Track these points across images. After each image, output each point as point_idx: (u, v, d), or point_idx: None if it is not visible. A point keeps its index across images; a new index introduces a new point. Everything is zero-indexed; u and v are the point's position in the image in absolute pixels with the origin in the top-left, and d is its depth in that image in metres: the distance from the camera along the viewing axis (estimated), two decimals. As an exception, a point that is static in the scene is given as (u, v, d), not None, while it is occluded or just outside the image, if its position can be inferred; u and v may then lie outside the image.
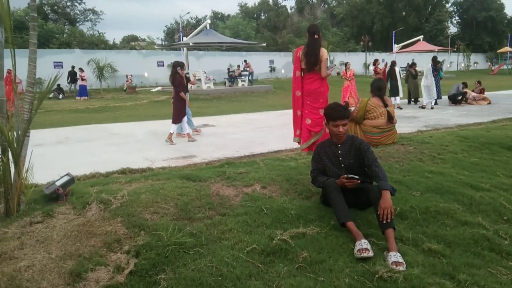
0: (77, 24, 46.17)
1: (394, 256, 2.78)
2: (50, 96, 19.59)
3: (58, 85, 21.12)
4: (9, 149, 3.09)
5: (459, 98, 14.21)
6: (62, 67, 23.96)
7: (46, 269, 2.55)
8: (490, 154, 5.60)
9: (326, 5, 65.03)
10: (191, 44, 22.95)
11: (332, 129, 3.46)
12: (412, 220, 3.45)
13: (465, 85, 14.53)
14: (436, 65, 13.86)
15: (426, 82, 13.63)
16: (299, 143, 6.01)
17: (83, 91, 22.12)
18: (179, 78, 8.63)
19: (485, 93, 15.16)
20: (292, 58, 5.91)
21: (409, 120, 10.83)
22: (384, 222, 2.98)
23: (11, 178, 3.12)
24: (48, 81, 3.25)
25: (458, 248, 3.05)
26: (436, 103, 14.18)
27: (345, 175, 3.28)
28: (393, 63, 14.70)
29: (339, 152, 3.48)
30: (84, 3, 47.92)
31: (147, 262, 2.64)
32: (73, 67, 23.63)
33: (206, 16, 59.95)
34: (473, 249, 3.06)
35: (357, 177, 3.26)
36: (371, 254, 2.83)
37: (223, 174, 4.12)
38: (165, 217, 3.17)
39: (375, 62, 15.21)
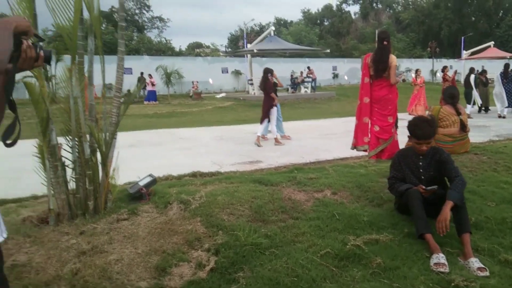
0: (145, 31, 48.71)
1: (476, 262, 2.75)
2: (121, 100, 20.83)
3: (128, 90, 22.41)
4: (97, 150, 3.39)
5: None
6: (131, 73, 24.83)
7: (133, 263, 2.78)
8: None
9: (391, 11, 63.20)
10: (255, 50, 23.34)
11: (415, 146, 3.40)
12: (488, 230, 3.33)
13: None
14: (506, 73, 13.04)
15: (496, 90, 13.00)
16: (365, 151, 5.93)
17: (152, 96, 23.20)
18: (269, 83, 9.13)
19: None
20: (361, 65, 5.88)
21: (480, 129, 10.24)
22: (441, 234, 2.99)
23: (99, 178, 3.42)
24: (134, 87, 3.53)
25: (540, 261, 2.88)
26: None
27: (423, 187, 3.23)
28: (471, 70, 14.09)
29: (420, 163, 3.43)
30: (152, 11, 50.63)
31: (226, 260, 2.78)
32: (142, 73, 24.76)
33: (270, 23, 60.65)
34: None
35: (436, 186, 3.22)
36: (447, 270, 2.76)
37: (293, 179, 4.20)
38: (240, 219, 3.31)
39: (444, 69, 14.55)
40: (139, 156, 8.04)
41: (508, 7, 55.07)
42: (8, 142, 1.58)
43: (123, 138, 10.24)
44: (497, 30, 53.74)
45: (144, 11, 50.32)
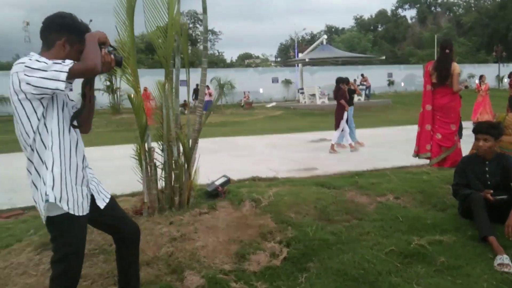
0: (198, 44, 50.45)
1: None
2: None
3: (185, 101, 23.34)
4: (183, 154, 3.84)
5: None
6: (186, 85, 26.18)
7: (216, 250, 3.17)
8: None
9: (451, 14, 60.77)
10: (307, 60, 23.60)
11: (476, 142, 3.56)
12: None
13: None
14: None
15: None
16: (428, 158, 5.99)
17: (208, 106, 24.08)
18: (342, 92, 9.45)
19: None
20: (423, 73, 5.98)
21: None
22: (511, 237, 3.10)
23: (183, 177, 3.86)
24: (215, 99, 3.95)
25: None
26: None
27: (490, 193, 3.36)
28: None
29: (486, 169, 3.56)
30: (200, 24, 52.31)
31: (297, 251, 3.10)
32: (197, 84, 25.68)
33: (321, 31, 60.62)
34: None
35: (505, 197, 3.33)
36: (511, 270, 2.88)
37: (355, 184, 4.43)
38: (307, 217, 3.61)
39: (511, 75, 13.93)
40: (200, 162, 8.51)
41: None
42: (75, 124, 2.09)
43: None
44: None
45: (198, 25, 52.11)
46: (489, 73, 36.36)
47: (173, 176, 3.79)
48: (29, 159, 2.02)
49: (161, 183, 3.83)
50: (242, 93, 28.07)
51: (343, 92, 9.37)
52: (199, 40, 52.99)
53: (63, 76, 1.85)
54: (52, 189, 1.96)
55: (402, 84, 35.51)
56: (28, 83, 1.88)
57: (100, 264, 3.10)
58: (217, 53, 46.53)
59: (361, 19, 66.35)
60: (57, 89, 1.87)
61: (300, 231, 3.34)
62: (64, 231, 2.05)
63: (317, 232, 3.31)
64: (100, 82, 23.19)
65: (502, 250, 3.06)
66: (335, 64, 31.75)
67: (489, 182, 3.52)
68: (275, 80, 31.95)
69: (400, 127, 13.59)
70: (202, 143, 12.54)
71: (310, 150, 9.47)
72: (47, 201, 1.95)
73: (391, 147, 9.48)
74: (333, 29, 64.19)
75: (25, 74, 1.88)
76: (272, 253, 3.09)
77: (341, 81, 9.54)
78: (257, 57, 65.23)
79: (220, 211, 3.71)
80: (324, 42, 25.89)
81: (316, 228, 3.36)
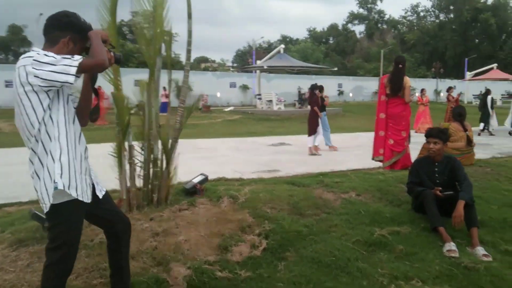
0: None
1: (482, 250, 3.37)
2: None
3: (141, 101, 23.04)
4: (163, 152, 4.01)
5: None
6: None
7: (199, 243, 3.38)
8: None
9: (396, 31, 64.41)
10: (265, 67, 24.16)
11: (427, 146, 4.06)
12: (491, 227, 3.95)
13: None
14: None
15: None
16: (381, 161, 6.55)
17: (164, 108, 23.90)
18: (315, 99, 9.94)
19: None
20: (378, 85, 6.55)
21: (484, 147, 10.80)
22: (457, 227, 3.60)
23: (162, 175, 4.03)
24: (195, 100, 4.19)
25: (533, 252, 3.48)
26: None
27: (439, 190, 3.85)
28: (488, 92, 14.96)
29: (436, 169, 4.06)
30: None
31: (275, 242, 3.39)
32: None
33: (277, 40, 61.97)
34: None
35: (452, 192, 3.84)
36: (458, 255, 3.37)
37: (321, 182, 4.82)
38: (281, 212, 3.93)
39: (449, 89, 15.25)
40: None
41: (511, 31, 56.35)
42: (94, 117, 2.30)
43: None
44: (500, 53, 54.90)
45: (148, 25, 51.20)
46: (428, 87, 38.77)
47: (151, 173, 3.95)
48: (32, 149, 2.11)
49: (139, 181, 3.97)
50: (201, 96, 28.05)
51: (317, 98, 9.87)
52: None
53: (73, 70, 1.99)
54: (61, 177, 2.07)
55: (351, 94, 37.15)
56: (36, 76, 1.98)
57: (83, 258, 3.18)
58: (173, 55, 45.94)
59: (314, 31, 68.60)
60: (67, 82, 2.01)
61: (276, 224, 3.63)
62: (66, 219, 2.15)
63: (291, 225, 3.62)
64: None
65: (450, 239, 3.54)
66: (291, 73, 32.69)
67: (438, 181, 4.02)
68: (232, 85, 32.34)
69: (351, 134, 14.36)
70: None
71: (271, 153, 9.84)
72: (55, 188, 2.05)
73: (345, 151, 10.05)
74: (287, 39, 65.68)
75: (33, 68, 1.99)
76: (253, 245, 3.36)
77: (315, 88, 10.04)
78: (214, 61, 65.24)
79: (199, 208, 3.92)
80: (282, 51, 26.61)
81: (290, 222, 3.68)
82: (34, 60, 2.01)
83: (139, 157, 3.94)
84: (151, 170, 3.93)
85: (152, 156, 3.91)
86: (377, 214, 4.00)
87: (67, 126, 2.15)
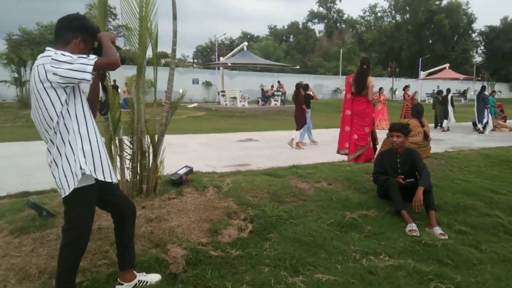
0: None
1: (439, 230, 3.90)
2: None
3: (101, 97, 22.64)
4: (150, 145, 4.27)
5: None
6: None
7: (191, 227, 3.69)
8: (508, 169, 6.64)
9: (354, 31, 66.33)
10: (229, 64, 24.41)
11: (390, 139, 4.56)
12: (446, 211, 4.52)
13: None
14: (480, 93, 14.85)
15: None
16: (346, 154, 7.08)
17: (125, 103, 23.60)
18: (301, 96, 10.41)
19: (507, 121, 15.92)
20: (345, 83, 7.06)
21: (437, 142, 11.66)
22: (417, 210, 4.10)
23: (150, 167, 4.29)
24: (179, 96, 4.46)
25: (481, 230, 4.10)
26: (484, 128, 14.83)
27: (402, 178, 4.34)
28: (448, 90, 16.07)
29: (398, 160, 4.57)
30: (118, 19, 50.54)
31: (260, 226, 3.76)
32: (114, 81, 24.95)
33: (238, 37, 62.20)
34: (492, 231, 4.12)
35: (413, 180, 4.35)
36: (418, 234, 3.88)
37: (296, 173, 5.24)
38: (262, 199, 4.30)
39: (406, 88, 16.17)
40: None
41: (463, 32, 59.74)
42: (103, 112, 2.59)
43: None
44: (452, 53, 58.03)
45: (110, 19, 50.06)
46: (385, 85, 40.48)
47: (138, 166, 4.20)
48: (51, 140, 2.36)
49: (128, 173, 4.22)
50: (163, 92, 27.82)
51: (302, 97, 10.37)
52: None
53: (90, 68, 2.26)
54: (86, 163, 2.34)
55: (311, 92, 38.04)
56: (54, 74, 2.23)
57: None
58: (133, 50, 44.90)
59: (275, 28, 69.39)
60: (84, 79, 2.28)
61: (259, 210, 4.00)
62: (83, 202, 2.42)
63: (273, 211, 4.00)
64: (6, 72, 21.55)
65: (411, 220, 4.06)
66: (253, 70, 33.09)
67: (400, 170, 4.54)
68: (195, 81, 32.29)
69: (314, 131, 14.90)
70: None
71: (240, 149, 10.18)
72: (83, 174, 2.32)
73: (309, 147, 10.57)
74: (248, 36, 66.11)
75: (51, 66, 2.23)
76: (240, 228, 3.72)
77: (300, 86, 10.54)
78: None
79: (187, 197, 4.22)
80: (245, 49, 26.95)
81: (271, 208, 4.06)
82: (52, 59, 2.25)
83: (128, 150, 4.18)
84: (139, 163, 4.18)
85: (141, 149, 4.16)
86: (347, 200, 4.47)
87: (86, 118, 2.42)
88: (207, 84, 32.89)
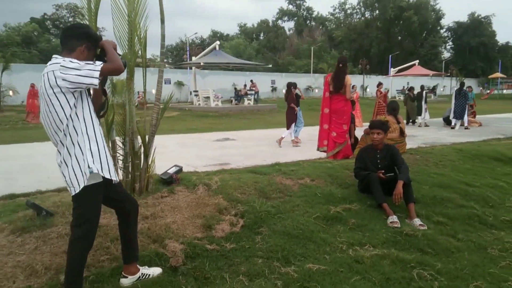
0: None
1: (418, 221, 4.18)
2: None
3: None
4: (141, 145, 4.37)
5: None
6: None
7: (185, 223, 3.83)
8: (480, 162, 7.06)
9: (324, 28, 67.17)
10: (202, 63, 24.36)
11: (371, 136, 4.83)
12: (424, 203, 4.82)
13: None
14: (460, 90, 15.39)
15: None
16: (325, 151, 7.34)
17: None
18: (292, 95, 10.70)
19: (477, 116, 16.66)
20: (323, 82, 7.31)
21: (409, 138, 12.06)
22: (397, 203, 4.36)
23: (141, 166, 4.39)
24: (168, 97, 4.57)
25: (457, 221, 4.41)
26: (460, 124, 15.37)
27: (382, 173, 4.60)
28: (422, 87, 16.78)
29: (378, 156, 4.84)
30: (87, 19, 49.45)
31: (250, 221, 3.95)
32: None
33: (208, 36, 61.94)
34: (468, 221, 4.43)
35: (392, 174, 4.64)
36: (399, 225, 4.16)
37: (279, 171, 5.44)
38: (251, 196, 4.48)
39: (379, 85, 16.67)
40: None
41: (431, 28, 61.42)
42: (101, 114, 2.73)
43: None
44: (421, 50, 59.62)
45: (78, 19, 48.93)
46: (355, 83, 41.46)
47: (130, 166, 4.29)
48: (61, 141, 2.50)
49: (121, 173, 4.30)
50: (136, 93, 27.50)
51: (293, 95, 10.63)
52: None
53: (97, 74, 2.42)
54: (93, 162, 2.50)
55: (284, 91, 38.34)
56: (64, 79, 2.38)
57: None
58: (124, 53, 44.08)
59: (245, 27, 69.42)
60: (92, 84, 2.44)
61: (249, 206, 4.18)
62: (91, 199, 2.57)
63: (261, 206, 4.19)
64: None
65: (392, 212, 4.34)
66: (225, 69, 33.13)
67: (380, 166, 4.81)
68: (167, 81, 31.94)
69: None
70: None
71: (218, 148, 10.31)
72: (91, 172, 2.47)
73: (285, 145, 10.76)
74: (218, 34, 65.85)
75: (61, 72, 2.38)
76: (232, 223, 3.89)
77: (291, 85, 10.77)
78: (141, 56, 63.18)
79: (178, 195, 4.35)
80: (217, 48, 26.96)
81: (260, 204, 4.24)
82: (61, 66, 2.40)
83: (120, 151, 4.27)
84: (131, 163, 4.28)
85: (133, 149, 4.25)
86: (331, 195, 4.71)
87: (93, 121, 2.58)
88: (179, 84, 32.68)
